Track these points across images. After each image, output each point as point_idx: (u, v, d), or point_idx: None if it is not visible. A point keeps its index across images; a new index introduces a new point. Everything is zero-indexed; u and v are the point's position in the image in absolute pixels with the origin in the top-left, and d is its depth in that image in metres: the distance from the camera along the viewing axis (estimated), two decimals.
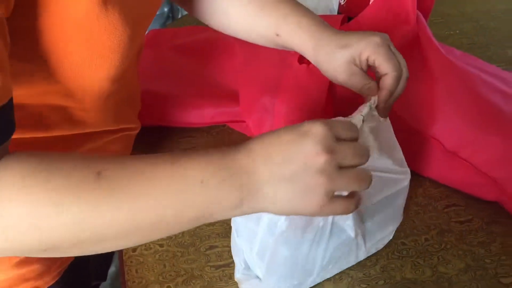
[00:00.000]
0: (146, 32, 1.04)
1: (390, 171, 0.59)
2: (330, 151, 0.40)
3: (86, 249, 0.41)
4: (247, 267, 0.60)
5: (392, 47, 0.55)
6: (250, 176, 0.40)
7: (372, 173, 0.43)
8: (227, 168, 0.40)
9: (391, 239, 0.67)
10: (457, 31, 1.13)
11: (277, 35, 0.60)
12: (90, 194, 0.38)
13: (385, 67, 0.54)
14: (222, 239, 0.66)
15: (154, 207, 0.39)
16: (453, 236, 0.68)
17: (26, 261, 0.57)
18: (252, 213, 0.42)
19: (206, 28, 0.93)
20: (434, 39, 0.74)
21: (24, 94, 0.47)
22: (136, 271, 0.63)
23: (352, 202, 0.42)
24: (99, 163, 0.40)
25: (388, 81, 0.54)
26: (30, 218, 0.37)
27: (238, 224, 0.58)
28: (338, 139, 0.41)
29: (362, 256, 0.64)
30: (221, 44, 0.87)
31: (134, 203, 0.39)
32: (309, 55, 0.59)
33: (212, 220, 0.42)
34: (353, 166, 0.41)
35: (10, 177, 0.38)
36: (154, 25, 2.43)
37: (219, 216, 0.41)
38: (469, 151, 0.68)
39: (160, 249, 0.65)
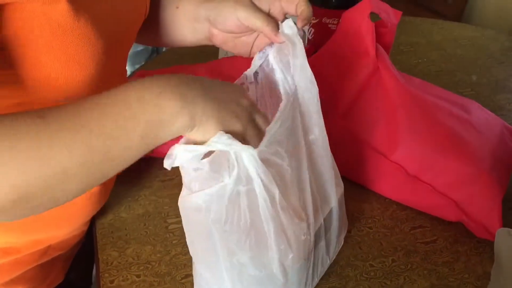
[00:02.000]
0: (135, 70, 1.09)
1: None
2: (252, 101, 0.50)
3: (54, 195, 0.42)
4: None
5: None
6: (187, 90, 0.45)
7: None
8: (160, 86, 0.44)
9: (360, 262, 0.70)
10: (425, 59, 1.18)
11: (177, 7, 0.64)
12: (39, 132, 0.40)
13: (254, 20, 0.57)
14: None
15: (101, 133, 0.42)
16: (418, 257, 0.71)
17: (12, 282, 0.59)
18: (191, 125, 0.45)
19: (187, 66, 0.98)
20: (394, 69, 0.78)
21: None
22: None
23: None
24: (40, 111, 0.42)
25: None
26: None
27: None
28: None
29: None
30: None
31: (81, 133, 0.41)
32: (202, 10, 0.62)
33: (159, 140, 0.45)
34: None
35: None
36: (139, 59, 2.47)
37: (164, 132, 0.44)
38: (429, 175, 0.72)
39: (137, 279, 0.67)
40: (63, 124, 0.41)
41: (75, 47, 0.48)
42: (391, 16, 0.79)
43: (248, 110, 0.49)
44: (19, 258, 0.65)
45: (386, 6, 0.79)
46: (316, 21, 0.96)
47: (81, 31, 0.48)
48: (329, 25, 0.95)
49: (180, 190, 0.82)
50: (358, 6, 0.77)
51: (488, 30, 1.30)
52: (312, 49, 0.85)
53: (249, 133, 0.49)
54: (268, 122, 0.51)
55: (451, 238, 0.74)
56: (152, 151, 0.83)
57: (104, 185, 0.67)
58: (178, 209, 0.78)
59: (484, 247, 0.72)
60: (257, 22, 0.57)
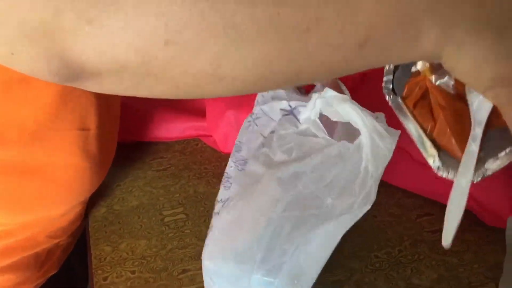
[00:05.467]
0: None
1: None
2: None
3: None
4: None
5: None
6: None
7: None
8: None
9: (365, 253, 0.67)
10: None
11: None
12: None
13: None
14: (195, 262, 0.66)
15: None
16: (426, 246, 0.68)
17: (4, 268, 0.57)
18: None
19: None
20: None
21: None
22: None
23: None
24: None
25: None
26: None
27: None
28: None
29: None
30: None
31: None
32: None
33: (382, 61, 0.31)
34: None
35: None
36: None
37: (399, 46, 0.30)
38: None
39: (131, 276, 0.64)
40: None
41: None
42: None
43: None
44: (12, 243, 0.62)
45: None
46: None
47: None
48: None
49: (174, 181, 0.79)
50: None
51: None
52: None
53: None
54: None
55: (461, 226, 0.70)
56: (142, 135, 0.81)
57: (95, 163, 0.63)
58: (173, 200, 0.76)
59: (496, 235, 0.69)
60: None
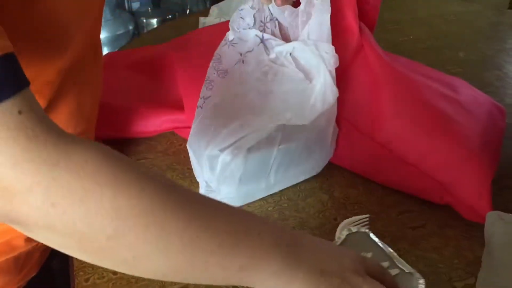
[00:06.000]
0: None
1: None
2: (364, 275, 0.45)
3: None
4: (208, 185, 0.71)
5: None
6: (298, 253, 0.43)
7: None
8: (286, 234, 0.44)
9: None
10: (411, 37, 1.15)
11: None
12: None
13: None
14: None
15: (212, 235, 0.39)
16: (406, 242, 0.68)
17: None
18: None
19: (155, 46, 0.96)
20: (378, 48, 0.75)
21: None
22: None
23: None
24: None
25: None
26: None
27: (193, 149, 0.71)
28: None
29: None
30: (166, 60, 0.90)
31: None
32: None
33: (246, 284, 0.42)
34: None
35: None
36: (120, 42, 2.42)
37: (257, 278, 0.41)
38: (416, 157, 0.69)
39: (113, 276, 0.64)
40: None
41: None
42: None
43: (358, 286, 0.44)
44: None
45: None
46: None
47: None
48: None
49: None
50: None
51: (474, 5, 1.27)
52: None
53: None
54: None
55: (440, 222, 0.71)
56: (120, 131, 0.80)
57: None
58: None
59: (474, 231, 0.70)
60: None
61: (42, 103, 0.51)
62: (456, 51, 1.09)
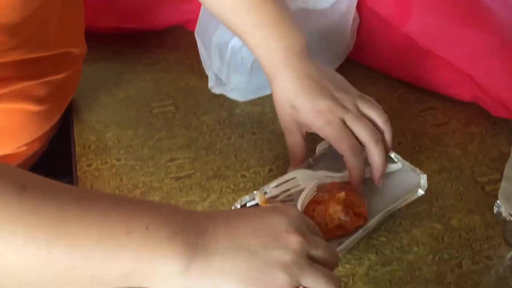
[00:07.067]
0: None
1: None
2: (302, 234, 0.36)
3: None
4: (218, 78, 0.67)
5: (349, 116, 0.51)
6: (207, 239, 0.34)
7: None
8: (182, 222, 0.34)
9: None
10: None
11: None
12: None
13: (338, 148, 0.51)
14: (184, 151, 0.63)
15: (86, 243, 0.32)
16: (428, 139, 0.64)
17: None
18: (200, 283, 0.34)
19: None
20: None
21: None
22: (91, 185, 0.59)
23: None
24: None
25: (348, 163, 0.51)
26: None
27: (201, 38, 0.68)
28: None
29: None
30: None
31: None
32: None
33: (144, 285, 0.34)
34: (323, 263, 0.37)
35: None
36: None
37: (157, 280, 0.34)
38: (444, 47, 0.64)
39: (117, 163, 0.61)
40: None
41: None
42: None
43: (296, 249, 0.35)
44: None
45: None
46: None
47: None
48: None
49: (164, 75, 0.75)
50: None
51: None
52: None
53: (311, 283, 0.35)
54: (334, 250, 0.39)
55: (465, 120, 0.67)
56: (134, 21, 0.75)
57: (44, 109, 0.59)
58: (162, 93, 0.72)
59: (501, 128, 0.65)
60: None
61: None
62: None
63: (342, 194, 0.48)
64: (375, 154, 0.51)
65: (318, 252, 0.36)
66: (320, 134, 0.52)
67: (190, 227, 0.34)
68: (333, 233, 0.49)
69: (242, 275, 0.34)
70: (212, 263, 0.34)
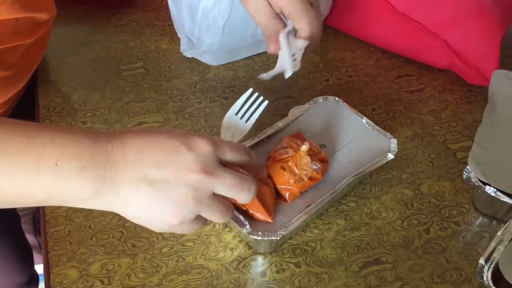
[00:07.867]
0: None
1: None
2: (207, 172, 0.38)
3: None
4: (190, 41, 0.66)
5: None
6: (114, 172, 0.37)
7: None
8: (92, 156, 0.37)
9: None
10: None
11: None
12: None
13: (299, 21, 0.50)
14: (152, 115, 0.61)
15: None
16: (402, 105, 0.63)
17: None
18: (106, 209, 0.39)
19: None
20: None
21: None
22: None
23: (200, 224, 0.40)
24: None
25: (302, 34, 0.51)
26: None
27: None
28: (223, 163, 0.40)
29: None
30: None
31: None
32: None
33: (62, 204, 0.38)
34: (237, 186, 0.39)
35: None
36: None
37: (71, 204, 0.38)
38: (420, 12, 0.62)
39: (82, 126, 0.59)
40: None
41: None
42: None
43: (198, 187, 0.38)
44: None
45: None
46: None
47: None
48: None
49: (134, 36, 0.72)
50: None
51: None
52: None
53: (206, 215, 0.39)
54: (243, 182, 0.39)
55: (440, 87, 0.66)
56: None
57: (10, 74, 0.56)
58: (132, 56, 0.69)
59: (476, 96, 0.65)
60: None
61: None
62: None
63: (306, 145, 0.47)
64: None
65: (222, 188, 0.39)
66: (285, 9, 0.51)
67: (100, 159, 0.37)
68: (308, 185, 0.48)
69: (143, 205, 0.37)
70: (118, 193, 0.37)
